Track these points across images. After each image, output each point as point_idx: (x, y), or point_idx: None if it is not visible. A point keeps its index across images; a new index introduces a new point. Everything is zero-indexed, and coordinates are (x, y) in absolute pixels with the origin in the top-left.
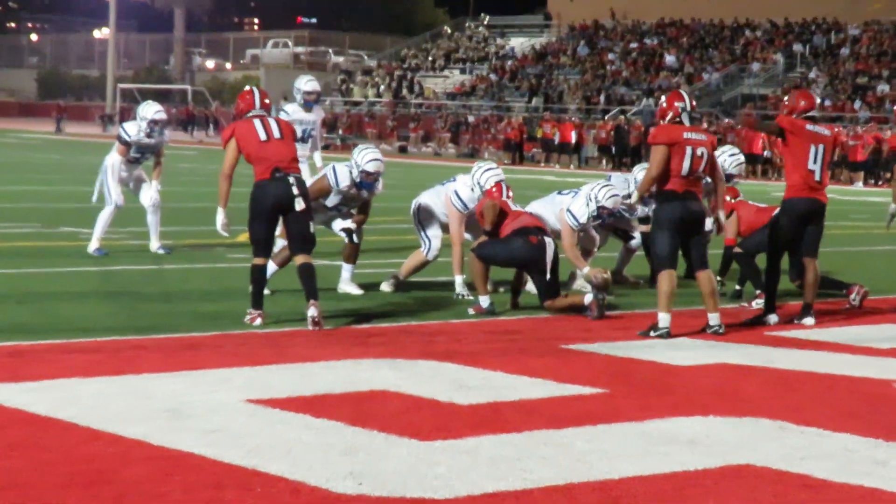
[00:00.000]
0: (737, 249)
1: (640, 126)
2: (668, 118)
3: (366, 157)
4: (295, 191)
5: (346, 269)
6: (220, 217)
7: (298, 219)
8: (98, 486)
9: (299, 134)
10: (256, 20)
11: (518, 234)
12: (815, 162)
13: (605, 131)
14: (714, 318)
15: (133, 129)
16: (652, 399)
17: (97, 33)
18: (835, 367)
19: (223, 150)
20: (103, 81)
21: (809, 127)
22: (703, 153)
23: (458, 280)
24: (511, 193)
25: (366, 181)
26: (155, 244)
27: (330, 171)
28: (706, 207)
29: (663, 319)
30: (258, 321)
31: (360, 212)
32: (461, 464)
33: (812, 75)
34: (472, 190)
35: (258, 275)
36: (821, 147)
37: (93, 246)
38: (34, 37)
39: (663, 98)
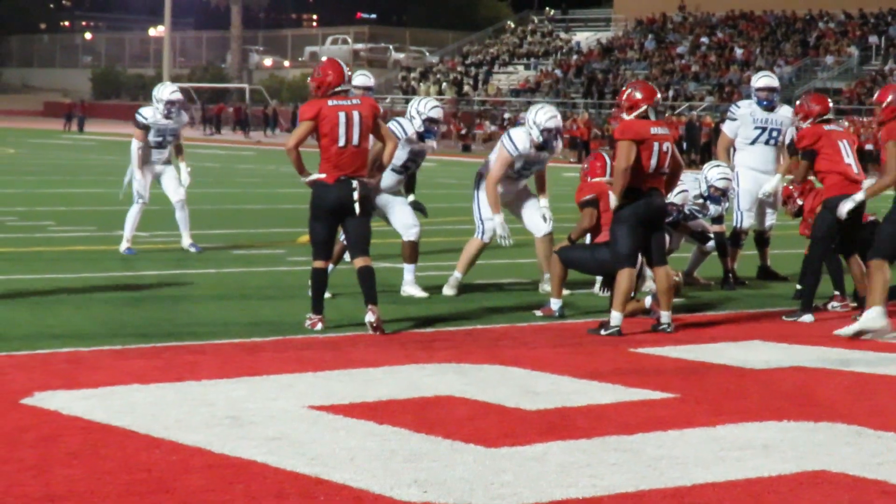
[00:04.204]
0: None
1: (710, 122)
2: (636, 112)
3: (428, 104)
4: (355, 195)
5: (409, 271)
6: (311, 178)
7: (358, 220)
8: (157, 495)
9: None
10: (315, 16)
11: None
12: (848, 156)
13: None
14: (665, 316)
15: (149, 112)
16: (724, 403)
17: (152, 31)
18: None
19: (282, 151)
20: (159, 80)
21: (827, 128)
22: (667, 148)
23: (498, 220)
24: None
25: (429, 129)
26: (186, 241)
27: (394, 124)
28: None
29: (615, 318)
30: (319, 326)
31: (408, 189)
32: (529, 471)
33: (888, 68)
34: (529, 133)
35: (319, 278)
36: (846, 142)
37: (123, 246)
38: (88, 35)
39: (631, 89)
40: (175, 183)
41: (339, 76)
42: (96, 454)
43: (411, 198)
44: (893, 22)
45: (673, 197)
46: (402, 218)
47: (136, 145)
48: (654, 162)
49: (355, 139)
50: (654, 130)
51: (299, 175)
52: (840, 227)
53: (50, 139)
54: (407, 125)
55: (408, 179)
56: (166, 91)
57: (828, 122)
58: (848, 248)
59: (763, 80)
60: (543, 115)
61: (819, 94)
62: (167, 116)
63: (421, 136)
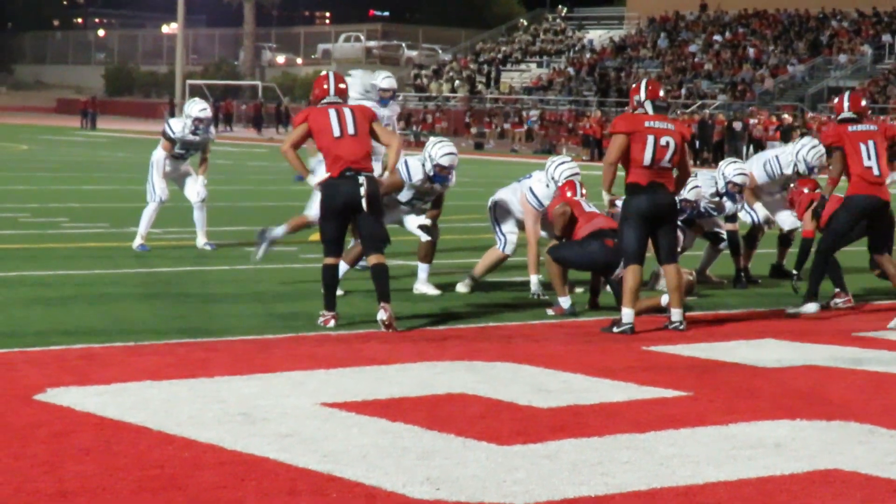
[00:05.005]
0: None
1: (723, 120)
2: (632, 108)
3: (440, 150)
4: (363, 191)
5: (423, 270)
6: (312, 178)
7: (369, 217)
8: (170, 492)
9: None
10: (328, 14)
11: (594, 237)
12: (869, 158)
13: (687, 125)
14: (676, 314)
15: (178, 126)
16: (737, 402)
17: (165, 28)
18: None
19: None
20: (172, 78)
21: (851, 129)
22: (667, 142)
23: (534, 280)
24: (585, 191)
25: (440, 175)
26: (202, 240)
27: (402, 165)
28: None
29: (627, 315)
30: (332, 323)
31: (434, 206)
32: (541, 469)
33: None
34: (548, 186)
35: (330, 275)
36: (870, 143)
37: (136, 242)
38: (101, 32)
39: (635, 85)
40: (193, 181)
41: (323, 91)
42: (109, 450)
43: (424, 220)
44: None
45: (686, 193)
46: (417, 220)
47: (160, 155)
48: (649, 154)
49: (350, 129)
50: (648, 124)
51: (302, 175)
52: (871, 225)
53: (63, 136)
54: (414, 167)
55: (436, 203)
56: (196, 108)
57: (856, 122)
58: (879, 247)
59: None
60: (439, 150)
61: (856, 95)
62: (194, 133)
63: (431, 179)
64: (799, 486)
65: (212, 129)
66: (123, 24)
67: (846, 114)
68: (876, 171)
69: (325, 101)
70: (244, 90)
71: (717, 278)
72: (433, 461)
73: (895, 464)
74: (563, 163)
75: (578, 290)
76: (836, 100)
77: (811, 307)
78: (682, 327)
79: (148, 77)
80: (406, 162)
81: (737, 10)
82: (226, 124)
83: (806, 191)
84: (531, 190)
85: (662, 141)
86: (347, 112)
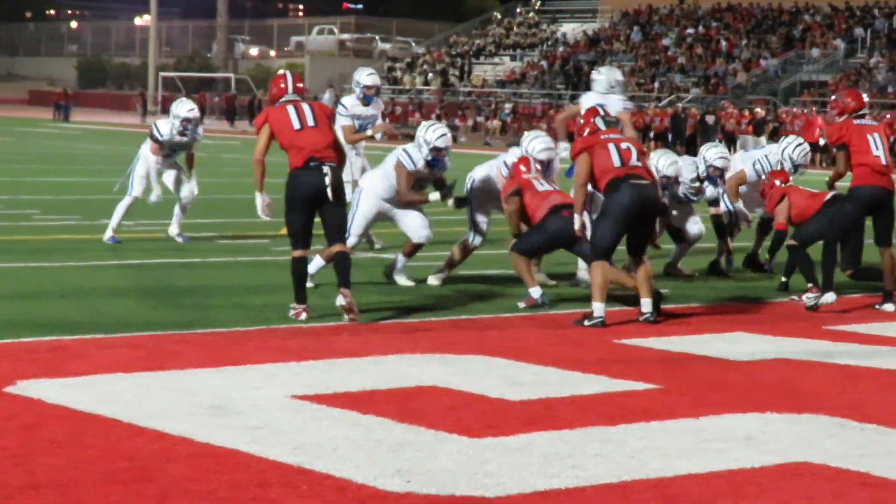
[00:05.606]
0: (791, 241)
1: (696, 114)
2: (585, 133)
3: (434, 133)
4: (327, 180)
5: (401, 261)
6: (259, 200)
7: (334, 208)
8: (141, 484)
9: (356, 127)
10: (301, 6)
11: (551, 214)
12: (877, 148)
13: (660, 119)
14: (646, 305)
15: (166, 129)
16: (707, 395)
17: (138, 20)
18: None
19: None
20: (145, 70)
21: (857, 122)
22: (628, 147)
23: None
24: (539, 166)
25: (436, 158)
26: (175, 230)
27: (402, 155)
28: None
29: (598, 309)
30: (303, 316)
31: (438, 187)
32: (512, 461)
33: (873, 61)
34: (420, 149)
35: (299, 268)
36: (876, 135)
37: (108, 234)
38: (74, 24)
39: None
40: (189, 184)
41: (281, 90)
42: (79, 443)
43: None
44: (879, 15)
45: (665, 169)
46: (413, 221)
47: (148, 153)
48: (615, 157)
49: (310, 121)
50: (604, 136)
51: (256, 188)
52: (869, 215)
53: (36, 128)
54: (415, 154)
55: (438, 185)
56: (184, 108)
57: (861, 116)
58: (882, 240)
59: None
60: (433, 132)
61: (855, 90)
62: (182, 133)
63: (429, 164)
64: (769, 478)
65: (200, 128)
66: (96, 15)
67: (853, 109)
68: (884, 161)
69: (283, 99)
70: (217, 82)
71: (689, 271)
72: (404, 454)
73: (865, 457)
74: (537, 137)
75: (553, 283)
76: (833, 99)
77: (829, 297)
78: (652, 318)
79: (121, 69)
80: (406, 152)
81: (710, 3)
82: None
83: (778, 183)
84: (505, 164)
85: (623, 146)
86: (306, 107)
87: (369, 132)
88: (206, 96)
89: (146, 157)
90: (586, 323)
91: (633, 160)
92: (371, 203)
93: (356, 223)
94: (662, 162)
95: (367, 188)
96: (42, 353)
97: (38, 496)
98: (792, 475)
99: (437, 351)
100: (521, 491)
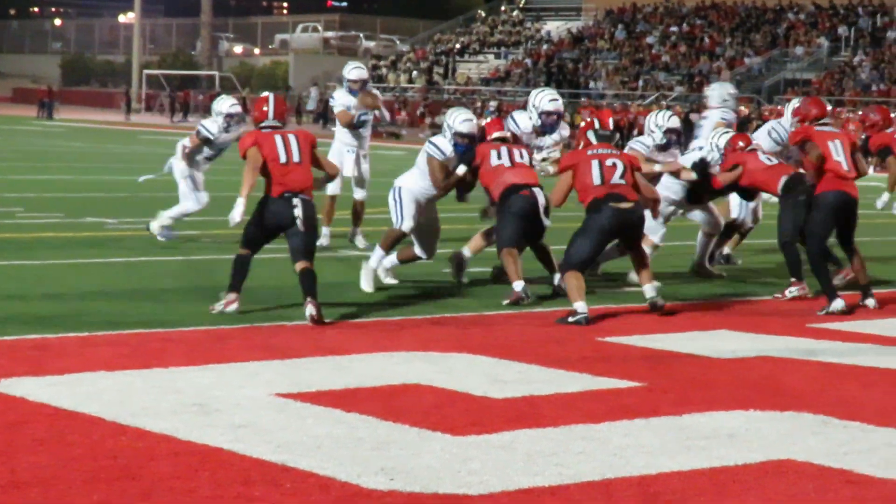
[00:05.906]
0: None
1: (680, 112)
2: (580, 146)
3: (458, 118)
4: (297, 212)
5: (390, 261)
6: (240, 208)
7: (302, 234)
8: (124, 482)
9: (354, 118)
10: (285, 4)
11: (509, 194)
12: (838, 154)
13: (644, 117)
14: (650, 290)
15: (214, 127)
16: (691, 393)
17: (122, 18)
18: (879, 360)
19: (242, 159)
20: (129, 67)
21: (818, 128)
22: (614, 163)
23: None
24: (509, 134)
25: (461, 143)
26: (157, 228)
27: (430, 147)
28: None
29: (580, 307)
30: (234, 306)
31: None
32: (496, 459)
33: (857, 59)
34: (530, 118)
35: (241, 263)
36: (837, 142)
37: (156, 229)
38: (58, 22)
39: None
40: (203, 195)
41: (262, 115)
42: (63, 441)
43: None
44: (863, 13)
45: (667, 122)
46: (428, 243)
47: (182, 152)
48: (597, 174)
49: (296, 156)
50: (591, 152)
51: (241, 191)
52: (836, 221)
53: (19, 125)
54: (443, 145)
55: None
56: (226, 104)
57: (823, 125)
58: (846, 242)
59: None
60: (457, 117)
61: (817, 99)
62: (226, 129)
63: (456, 149)
64: (752, 476)
65: (241, 125)
66: (80, 13)
67: (815, 117)
68: (845, 167)
69: (264, 124)
70: (201, 80)
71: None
72: (388, 452)
73: (848, 454)
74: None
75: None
76: (795, 105)
77: (838, 304)
78: (660, 303)
79: (105, 67)
80: (434, 143)
81: (694, 2)
82: (183, 114)
83: (741, 144)
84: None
85: (608, 162)
86: (292, 138)
87: (353, 111)
88: (189, 94)
89: (182, 170)
90: (570, 320)
91: (617, 178)
92: (411, 198)
93: (406, 211)
94: (661, 118)
95: (406, 187)
96: (25, 350)
97: (21, 494)
98: (775, 472)
99: (421, 349)
100: (504, 489)
